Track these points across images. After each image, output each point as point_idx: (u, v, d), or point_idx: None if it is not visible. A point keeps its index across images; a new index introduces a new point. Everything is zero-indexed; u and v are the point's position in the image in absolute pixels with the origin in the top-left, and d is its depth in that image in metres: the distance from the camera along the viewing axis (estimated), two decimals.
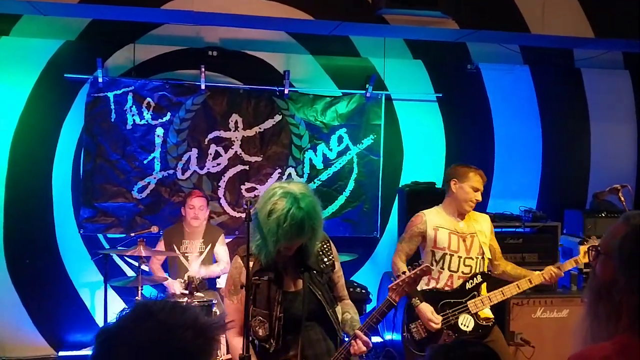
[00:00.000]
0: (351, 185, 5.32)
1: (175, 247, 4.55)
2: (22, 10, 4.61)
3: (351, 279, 5.13)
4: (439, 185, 5.14)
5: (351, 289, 4.76)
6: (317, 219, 2.35)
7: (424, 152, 5.53)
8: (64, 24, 4.91)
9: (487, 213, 5.05)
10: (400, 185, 5.33)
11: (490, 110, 5.64)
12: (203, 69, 4.90)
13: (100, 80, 4.83)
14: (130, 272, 5.01)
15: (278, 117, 5.19)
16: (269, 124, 5.18)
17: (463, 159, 5.49)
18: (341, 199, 5.30)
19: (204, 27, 5.09)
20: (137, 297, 4.02)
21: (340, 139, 5.30)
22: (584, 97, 5.78)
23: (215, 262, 4.65)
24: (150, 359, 1.08)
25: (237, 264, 2.54)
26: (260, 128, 5.17)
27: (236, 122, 5.13)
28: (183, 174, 5.04)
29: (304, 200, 2.31)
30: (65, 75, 4.86)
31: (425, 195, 4.90)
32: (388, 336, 5.04)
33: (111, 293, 4.83)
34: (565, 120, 5.72)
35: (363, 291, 4.82)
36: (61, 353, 4.92)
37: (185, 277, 4.14)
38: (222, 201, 5.10)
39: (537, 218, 5.03)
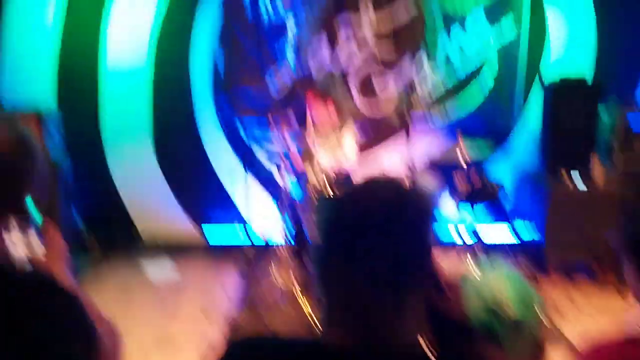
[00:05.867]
0: (488, 73, 5.04)
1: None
2: None
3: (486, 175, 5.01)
4: (589, 82, 4.73)
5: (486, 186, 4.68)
6: None
7: (570, 40, 5.05)
8: None
9: None
10: (542, 77, 4.99)
11: None
12: None
13: None
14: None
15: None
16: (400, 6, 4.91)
17: (616, 47, 4.98)
18: (477, 89, 5.06)
19: None
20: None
21: (476, 21, 4.96)
22: None
23: None
24: None
25: None
26: (390, 13, 4.92)
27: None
28: (315, 69, 5.00)
29: None
30: None
31: (574, 94, 4.58)
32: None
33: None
34: None
35: (498, 186, 4.72)
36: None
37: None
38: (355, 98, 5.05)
39: None
